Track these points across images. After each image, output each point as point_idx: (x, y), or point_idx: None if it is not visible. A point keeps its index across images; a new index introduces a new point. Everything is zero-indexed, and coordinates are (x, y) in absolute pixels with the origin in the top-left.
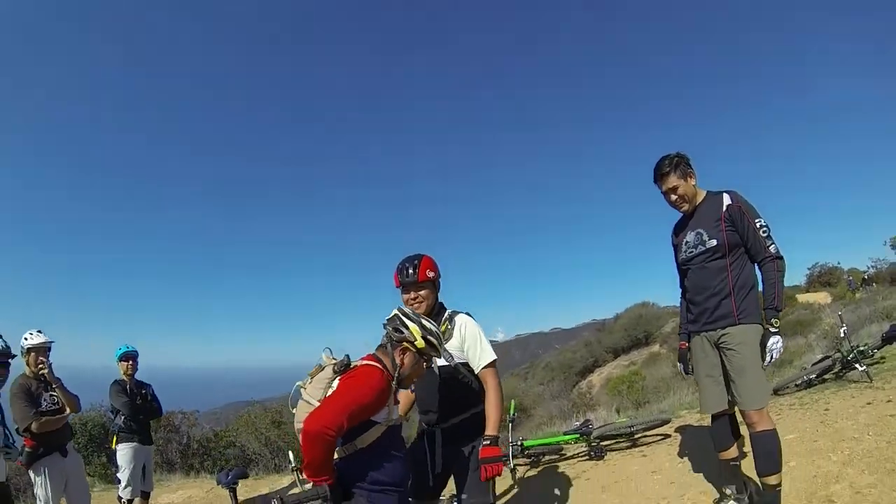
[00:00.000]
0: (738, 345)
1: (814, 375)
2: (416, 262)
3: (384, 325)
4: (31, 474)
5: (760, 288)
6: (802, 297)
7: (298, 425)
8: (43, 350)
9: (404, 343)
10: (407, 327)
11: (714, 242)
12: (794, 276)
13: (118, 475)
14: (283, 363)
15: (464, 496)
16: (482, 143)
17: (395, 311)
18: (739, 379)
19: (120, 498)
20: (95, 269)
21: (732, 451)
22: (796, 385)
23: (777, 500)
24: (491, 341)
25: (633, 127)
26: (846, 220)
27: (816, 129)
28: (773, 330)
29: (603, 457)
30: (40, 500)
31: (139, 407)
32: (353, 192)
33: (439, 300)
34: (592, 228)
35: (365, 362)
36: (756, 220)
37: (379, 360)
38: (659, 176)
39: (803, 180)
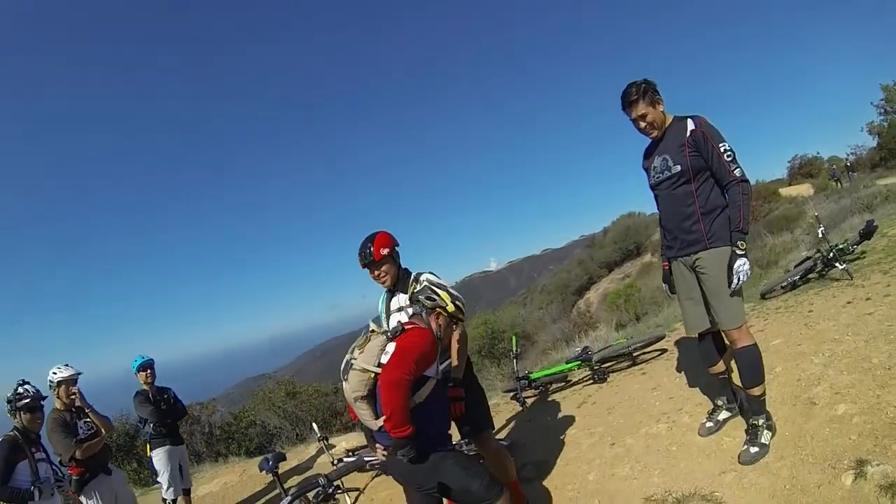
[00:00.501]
0: (711, 268)
1: (797, 277)
2: (369, 244)
3: (416, 295)
4: (83, 500)
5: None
6: (785, 191)
7: (355, 394)
8: (72, 382)
9: (437, 309)
10: (438, 295)
11: (678, 168)
12: (775, 169)
13: (158, 479)
14: (281, 332)
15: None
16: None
17: (425, 283)
18: (715, 301)
19: (164, 500)
20: (78, 273)
21: (720, 366)
22: (782, 287)
23: (762, 407)
24: (485, 272)
25: (610, 33)
26: (823, 107)
27: (792, 9)
28: (739, 252)
29: (606, 379)
30: None
31: (165, 412)
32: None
33: (402, 266)
34: (570, 142)
35: (411, 326)
36: (720, 145)
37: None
38: (627, 103)
39: (779, 67)
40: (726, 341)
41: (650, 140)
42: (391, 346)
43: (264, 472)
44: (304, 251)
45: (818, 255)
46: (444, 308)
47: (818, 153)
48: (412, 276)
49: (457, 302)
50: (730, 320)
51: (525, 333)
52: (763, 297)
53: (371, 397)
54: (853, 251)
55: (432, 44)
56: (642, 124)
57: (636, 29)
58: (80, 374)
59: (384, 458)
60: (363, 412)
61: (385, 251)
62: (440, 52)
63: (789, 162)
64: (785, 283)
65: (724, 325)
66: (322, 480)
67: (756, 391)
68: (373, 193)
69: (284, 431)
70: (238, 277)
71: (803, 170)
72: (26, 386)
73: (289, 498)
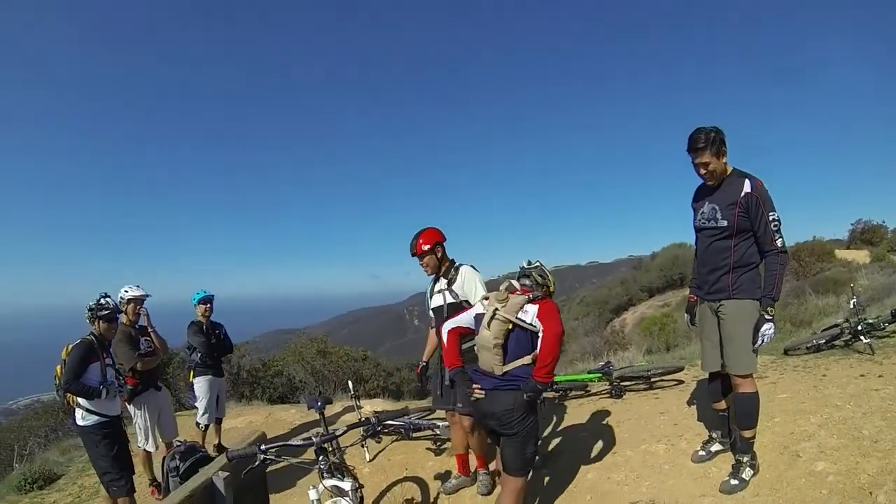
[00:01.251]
0: (731, 316)
1: (823, 341)
2: (415, 239)
3: (529, 270)
4: (132, 408)
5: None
6: (841, 254)
7: (495, 340)
8: (140, 301)
9: (545, 287)
10: (548, 276)
11: (724, 223)
12: (837, 230)
13: (196, 404)
14: (317, 292)
15: (459, 405)
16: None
17: (539, 264)
18: (728, 346)
19: (198, 424)
20: (137, 204)
21: (722, 404)
22: (807, 348)
23: (750, 448)
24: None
25: (678, 57)
26: None
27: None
28: (767, 317)
29: (622, 396)
30: (140, 429)
31: (214, 346)
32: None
33: (448, 257)
34: (634, 160)
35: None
36: (770, 214)
37: None
38: (693, 149)
39: (853, 134)
40: (733, 384)
41: (704, 182)
42: (531, 307)
43: (313, 410)
44: (359, 217)
45: (846, 324)
46: (548, 287)
47: (884, 222)
48: (454, 266)
49: (555, 285)
50: (739, 367)
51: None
52: (786, 352)
53: (503, 345)
54: (884, 328)
55: (528, 45)
56: (703, 171)
57: (722, 76)
58: (148, 295)
59: (481, 397)
60: (495, 357)
61: (426, 247)
62: (534, 54)
63: (852, 225)
64: (810, 345)
65: (732, 370)
66: (373, 419)
67: (747, 434)
68: (439, 173)
69: (308, 387)
70: (288, 230)
71: (864, 236)
72: (108, 298)
73: (344, 427)
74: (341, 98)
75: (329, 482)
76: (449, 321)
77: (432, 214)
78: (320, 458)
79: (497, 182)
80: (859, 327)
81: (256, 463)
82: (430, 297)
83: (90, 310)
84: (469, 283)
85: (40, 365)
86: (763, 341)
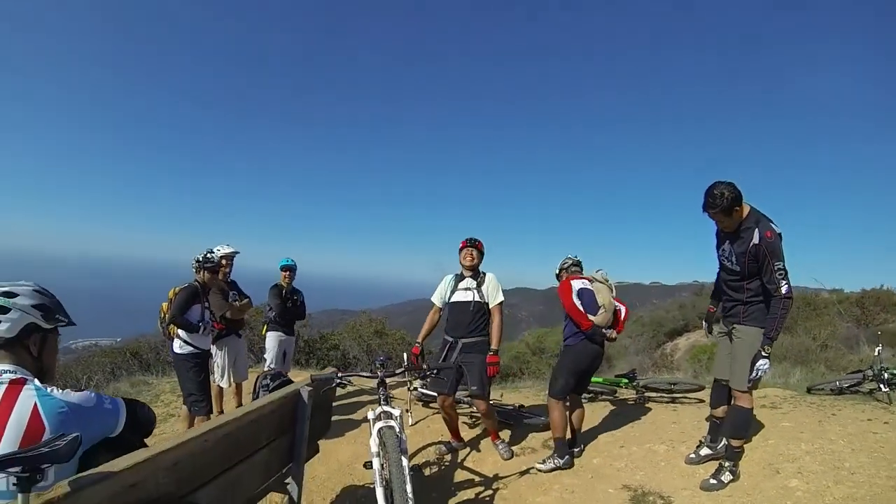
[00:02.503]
0: (739, 338)
1: (846, 384)
2: (475, 240)
3: (576, 263)
4: (214, 349)
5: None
6: None
7: (614, 305)
8: (232, 257)
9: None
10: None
11: (737, 268)
12: None
13: (265, 356)
14: (377, 276)
15: (473, 388)
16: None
17: (602, 270)
18: (734, 363)
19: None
20: (212, 171)
21: (720, 411)
22: (830, 389)
23: (734, 456)
24: None
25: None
26: None
27: None
28: (763, 354)
29: (644, 403)
30: (219, 367)
31: (289, 309)
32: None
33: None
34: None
35: None
36: (776, 263)
37: None
38: (707, 206)
39: None
40: (732, 395)
41: None
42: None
43: (368, 371)
44: (426, 206)
45: (869, 371)
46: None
47: None
48: (482, 273)
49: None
50: (738, 381)
51: (607, 355)
52: (809, 391)
53: None
54: None
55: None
56: (719, 225)
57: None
58: (238, 252)
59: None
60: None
61: (482, 251)
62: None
63: None
64: (833, 387)
65: (732, 384)
66: (426, 366)
67: (735, 443)
68: (519, 174)
69: (361, 363)
70: (357, 213)
71: None
72: (212, 253)
73: (403, 367)
74: (418, 83)
75: (384, 407)
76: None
77: (498, 215)
78: (380, 388)
79: (570, 190)
80: (885, 375)
81: (333, 384)
82: (453, 291)
83: (197, 261)
84: (492, 288)
85: (100, 313)
86: (758, 374)
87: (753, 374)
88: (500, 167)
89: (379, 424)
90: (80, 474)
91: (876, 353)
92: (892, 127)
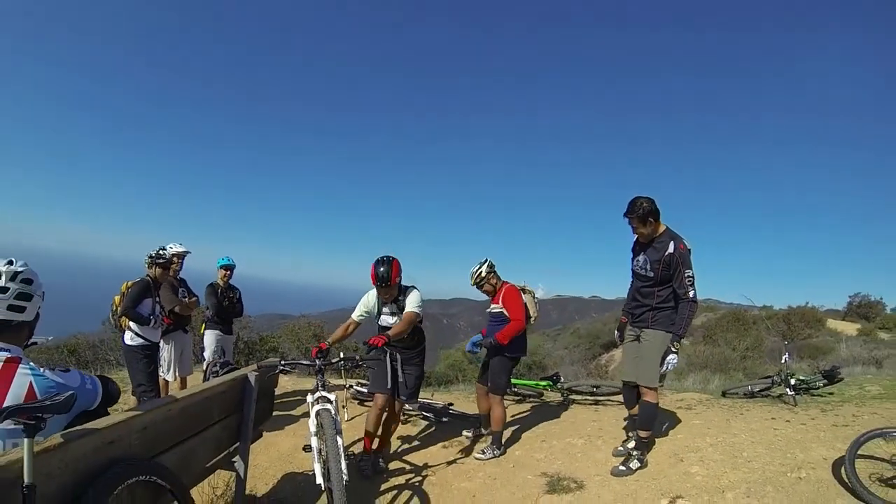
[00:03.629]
0: (647, 340)
1: (757, 389)
2: (387, 269)
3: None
4: (162, 343)
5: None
6: (833, 324)
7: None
8: (183, 256)
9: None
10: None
11: (651, 275)
12: (836, 299)
13: (204, 353)
14: (314, 281)
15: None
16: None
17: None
18: (640, 362)
19: (204, 371)
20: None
21: (636, 409)
22: (744, 393)
23: (643, 446)
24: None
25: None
26: None
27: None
28: (672, 349)
29: (568, 405)
30: (165, 361)
31: (226, 307)
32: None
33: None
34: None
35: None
36: (686, 271)
37: None
38: (627, 215)
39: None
40: (640, 392)
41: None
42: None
43: (303, 373)
44: (367, 213)
45: (777, 377)
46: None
47: (881, 298)
48: (402, 290)
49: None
50: (645, 379)
51: (542, 364)
52: (724, 394)
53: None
54: (819, 387)
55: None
56: (634, 232)
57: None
58: (189, 252)
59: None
60: None
61: (397, 279)
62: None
63: (850, 297)
64: (746, 391)
65: (641, 382)
66: (358, 357)
67: (643, 434)
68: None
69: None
70: (297, 217)
71: (861, 310)
72: (164, 250)
73: (340, 356)
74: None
75: (322, 392)
76: None
77: (443, 222)
78: (318, 375)
79: (517, 200)
80: (792, 381)
81: (277, 370)
82: (380, 315)
83: (150, 257)
84: (411, 299)
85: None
86: (668, 367)
87: (664, 368)
88: (444, 177)
89: (317, 407)
90: (70, 429)
91: (783, 361)
92: (833, 146)
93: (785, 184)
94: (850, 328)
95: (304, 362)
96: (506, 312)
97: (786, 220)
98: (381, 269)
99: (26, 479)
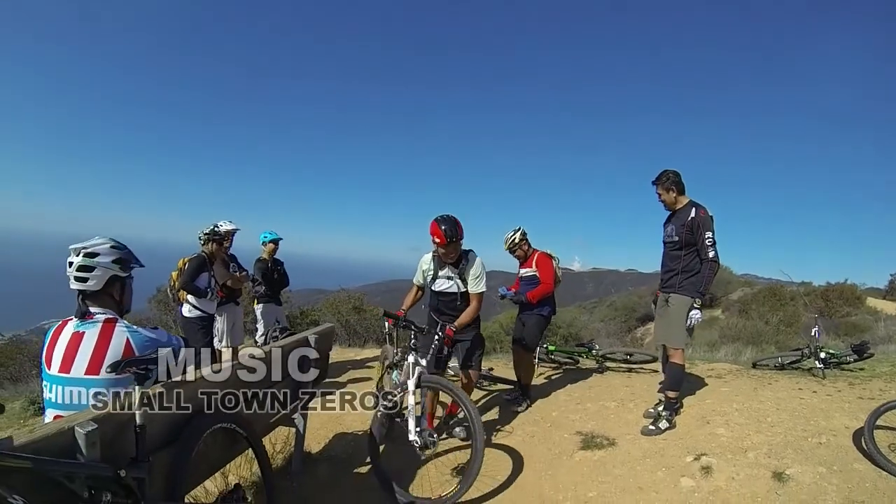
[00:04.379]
0: (673, 304)
1: (787, 361)
2: (457, 227)
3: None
4: (216, 315)
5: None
6: (873, 302)
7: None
8: (233, 233)
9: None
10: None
11: (676, 239)
12: (878, 278)
13: (257, 325)
14: (354, 256)
15: (468, 362)
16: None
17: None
18: (667, 325)
19: (256, 341)
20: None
21: None
22: (774, 364)
23: (671, 407)
24: (565, 269)
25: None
26: None
27: None
28: (695, 306)
29: (603, 371)
30: (218, 331)
31: (274, 280)
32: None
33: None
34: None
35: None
36: (706, 233)
37: None
38: (655, 181)
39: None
40: (668, 354)
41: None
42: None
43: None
44: (403, 188)
45: (807, 349)
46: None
47: None
48: (463, 254)
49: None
50: (671, 341)
51: (577, 336)
52: (754, 365)
53: None
54: (849, 362)
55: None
56: (659, 199)
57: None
58: (238, 229)
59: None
60: None
61: (461, 238)
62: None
63: (892, 276)
64: (776, 363)
65: (667, 342)
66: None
67: (671, 395)
68: (504, 156)
69: (340, 337)
70: (335, 195)
71: None
72: (217, 227)
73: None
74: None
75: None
76: None
77: (480, 197)
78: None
79: (554, 176)
80: (822, 355)
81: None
82: (434, 278)
83: (206, 234)
84: (476, 277)
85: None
86: (692, 322)
87: (688, 323)
88: (486, 151)
89: (418, 369)
90: (168, 381)
91: (812, 334)
92: (870, 129)
93: (833, 161)
94: (890, 307)
95: (417, 324)
96: (538, 275)
97: (829, 197)
98: (445, 226)
99: (138, 420)
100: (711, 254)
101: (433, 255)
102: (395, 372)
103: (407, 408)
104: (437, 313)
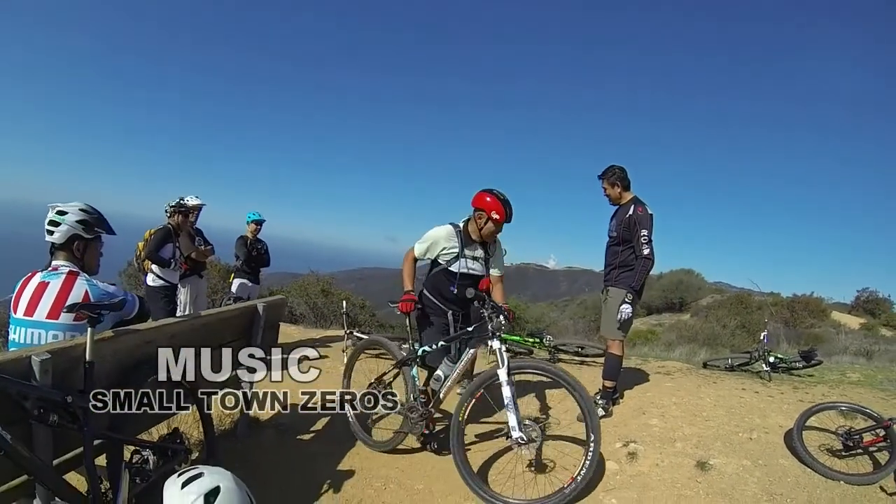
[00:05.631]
0: (609, 297)
1: (737, 363)
2: (509, 206)
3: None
4: (180, 286)
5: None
6: (837, 316)
7: None
8: (199, 208)
9: None
10: None
11: (615, 234)
12: (845, 293)
13: (230, 300)
14: (329, 242)
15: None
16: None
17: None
18: (604, 316)
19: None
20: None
21: None
22: (725, 366)
23: (608, 397)
24: (540, 267)
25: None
26: None
27: None
28: (626, 301)
29: (555, 361)
30: (181, 303)
31: (254, 258)
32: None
33: None
34: (663, 182)
35: None
36: (642, 231)
37: None
38: (601, 175)
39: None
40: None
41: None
42: None
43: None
44: (383, 174)
45: (755, 353)
46: None
47: (889, 296)
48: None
49: None
50: (608, 332)
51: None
52: (704, 365)
53: None
54: (797, 367)
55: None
56: (604, 194)
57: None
58: (204, 205)
59: None
60: None
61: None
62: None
63: (858, 292)
64: (726, 364)
65: (604, 333)
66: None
67: (608, 384)
68: (487, 148)
69: (307, 319)
70: (314, 179)
71: (868, 305)
72: (184, 200)
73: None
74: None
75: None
76: None
77: (453, 190)
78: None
79: (535, 171)
80: (771, 358)
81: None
82: (457, 258)
83: (171, 206)
84: (501, 257)
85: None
86: (622, 317)
87: (619, 318)
88: (470, 143)
89: (507, 355)
90: (118, 327)
91: (761, 338)
92: (848, 139)
93: (804, 175)
94: (853, 321)
95: (494, 302)
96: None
97: (801, 210)
98: (507, 202)
99: (88, 357)
100: (646, 251)
101: (457, 231)
102: (414, 368)
103: (507, 402)
104: (440, 298)
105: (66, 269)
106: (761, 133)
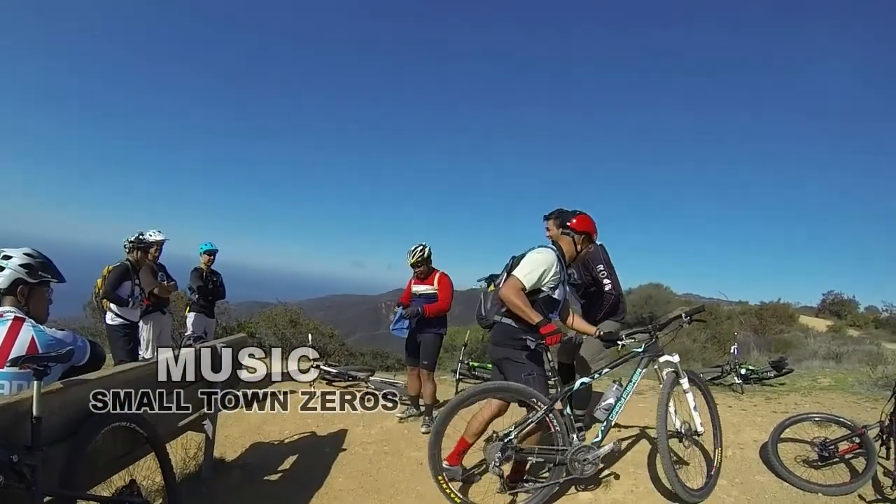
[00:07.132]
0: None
1: (709, 377)
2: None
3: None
4: (142, 323)
5: None
6: (805, 320)
7: None
8: (162, 243)
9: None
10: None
11: (578, 281)
12: (811, 297)
13: (185, 334)
14: (294, 269)
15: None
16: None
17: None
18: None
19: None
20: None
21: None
22: None
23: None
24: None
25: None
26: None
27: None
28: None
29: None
30: (143, 340)
31: (210, 290)
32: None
33: None
34: (630, 195)
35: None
36: (597, 266)
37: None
38: (546, 218)
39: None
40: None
41: None
42: None
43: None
44: (348, 202)
45: (727, 366)
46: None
47: (854, 297)
48: None
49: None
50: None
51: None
52: None
53: None
54: (769, 377)
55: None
56: (547, 235)
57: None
58: (167, 240)
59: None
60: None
61: None
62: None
63: (823, 295)
64: None
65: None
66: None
67: (578, 412)
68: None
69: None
70: (278, 206)
71: (833, 307)
72: (144, 235)
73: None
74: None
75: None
76: None
77: (418, 214)
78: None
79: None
80: (742, 371)
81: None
82: (559, 284)
83: (130, 241)
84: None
85: None
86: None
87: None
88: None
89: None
90: (67, 378)
91: (731, 351)
92: (811, 145)
93: (765, 181)
94: (821, 325)
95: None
96: (437, 293)
97: (765, 217)
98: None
99: (35, 412)
100: (608, 287)
101: (557, 255)
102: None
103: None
104: (528, 328)
105: (13, 315)
106: (722, 144)
